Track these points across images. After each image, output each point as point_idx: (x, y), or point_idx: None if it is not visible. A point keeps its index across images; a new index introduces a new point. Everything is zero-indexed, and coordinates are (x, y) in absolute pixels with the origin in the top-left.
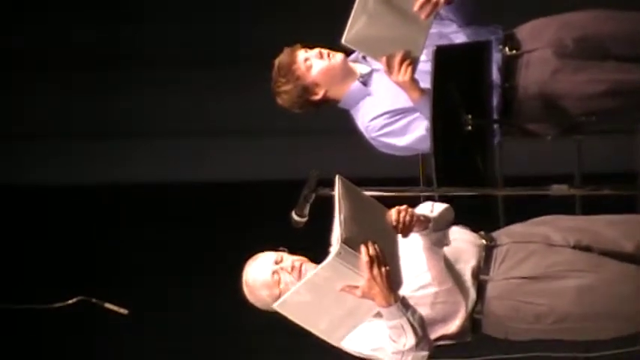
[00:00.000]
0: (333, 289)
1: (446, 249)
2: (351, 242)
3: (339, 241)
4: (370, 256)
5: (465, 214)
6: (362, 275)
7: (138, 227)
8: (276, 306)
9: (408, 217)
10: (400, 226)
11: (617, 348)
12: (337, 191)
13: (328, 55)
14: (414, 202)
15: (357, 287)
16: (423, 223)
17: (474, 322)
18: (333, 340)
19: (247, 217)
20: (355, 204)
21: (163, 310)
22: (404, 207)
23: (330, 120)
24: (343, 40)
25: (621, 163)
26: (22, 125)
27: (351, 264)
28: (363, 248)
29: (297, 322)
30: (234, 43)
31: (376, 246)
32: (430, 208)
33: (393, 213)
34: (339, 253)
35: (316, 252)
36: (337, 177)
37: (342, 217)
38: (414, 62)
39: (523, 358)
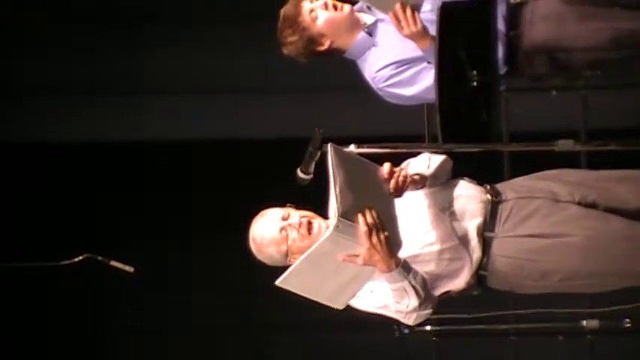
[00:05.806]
0: (334, 260)
1: (451, 206)
2: (348, 214)
3: (337, 216)
4: (368, 225)
5: (471, 170)
6: (362, 244)
7: (144, 186)
8: (278, 282)
9: (401, 178)
10: (393, 184)
11: (621, 303)
12: (330, 161)
13: (334, 7)
14: None
15: (357, 256)
16: (419, 182)
17: (479, 278)
18: (337, 305)
19: (253, 175)
20: (349, 171)
21: (167, 268)
22: (398, 168)
23: (336, 77)
24: None
25: (627, 119)
26: (27, 82)
27: (350, 235)
28: (360, 218)
29: (300, 294)
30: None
31: (373, 213)
32: (427, 163)
33: (385, 169)
34: (337, 227)
35: (322, 208)
36: (329, 145)
37: (337, 189)
38: (416, 8)
39: (527, 315)
